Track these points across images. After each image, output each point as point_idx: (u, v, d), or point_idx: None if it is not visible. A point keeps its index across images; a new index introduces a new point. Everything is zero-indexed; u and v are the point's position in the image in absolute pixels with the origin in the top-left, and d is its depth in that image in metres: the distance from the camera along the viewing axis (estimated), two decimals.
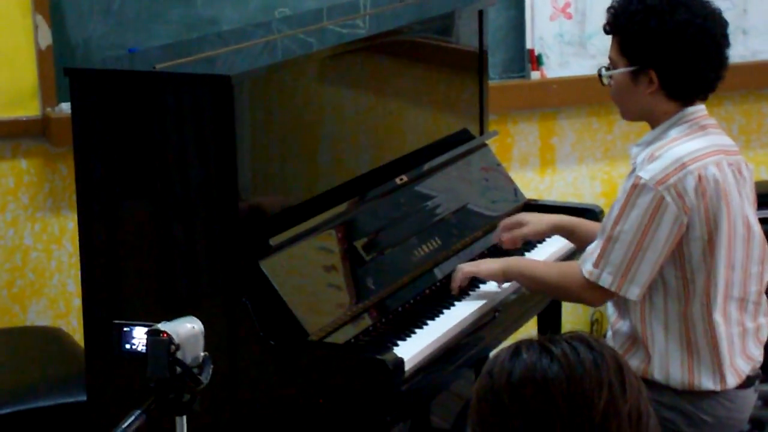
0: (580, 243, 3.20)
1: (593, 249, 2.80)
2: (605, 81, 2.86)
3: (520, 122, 4.42)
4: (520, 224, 3.25)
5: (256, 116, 2.85)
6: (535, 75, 4.32)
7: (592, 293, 2.82)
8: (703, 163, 2.73)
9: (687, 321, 2.77)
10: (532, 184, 4.43)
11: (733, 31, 4.45)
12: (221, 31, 3.86)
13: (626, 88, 2.82)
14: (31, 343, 3.68)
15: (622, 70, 2.80)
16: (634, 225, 2.71)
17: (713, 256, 2.74)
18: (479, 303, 3.11)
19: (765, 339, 2.90)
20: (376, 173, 3.23)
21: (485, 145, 3.70)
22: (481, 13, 3.68)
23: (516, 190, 3.71)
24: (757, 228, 2.83)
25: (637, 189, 2.72)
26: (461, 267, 3.11)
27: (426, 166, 3.37)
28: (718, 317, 2.76)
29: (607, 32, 2.85)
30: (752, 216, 2.82)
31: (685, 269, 2.75)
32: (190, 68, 2.94)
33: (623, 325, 2.86)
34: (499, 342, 3.23)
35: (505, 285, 3.15)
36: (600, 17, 3.00)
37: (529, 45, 4.31)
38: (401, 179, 3.25)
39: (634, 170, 2.78)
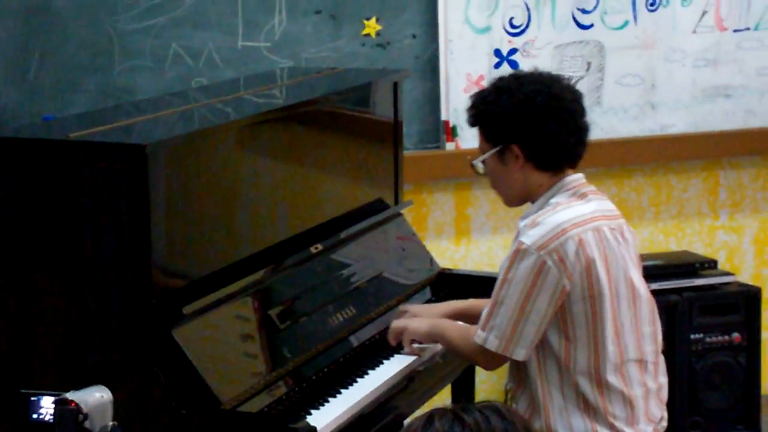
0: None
1: (483, 314, 2.88)
2: (480, 170, 2.99)
3: (435, 192, 4.47)
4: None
5: (171, 185, 2.85)
6: (450, 146, 4.38)
7: (483, 356, 2.90)
8: (582, 228, 2.81)
9: (579, 384, 2.82)
10: (447, 253, 4.47)
11: (642, 106, 4.64)
12: (138, 100, 3.87)
13: (498, 170, 2.95)
14: None
15: (488, 153, 2.94)
16: (518, 289, 2.80)
17: (597, 319, 2.80)
18: (393, 371, 3.12)
19: (665, 398, 2.96)
20: (291, 242, 3.24)
21: (400, 214, 3.74)
22: (396, 85, 3.74)
23: (431, 259, 3.74)
24: (642, 289, 2.90)
25: (519, 254, 2.81)
26: (393, 323, 3.19)
27: (341, 235, 3.39)
28: (612, 378, 2.81)
29: (471, 125, 3.02)
30: (636, 277, 2.89)
31: (568, 333, 2.81)
32: (105, 137, 2.94)
33: (523, 392, 2.90)
34: (413, 410, 3.24)
35: (415, 346, 3.18)
36: None
37: (444, 116, 4.37)
38: (316, 248, 3.27)
39: (517, 236, 2.86)
